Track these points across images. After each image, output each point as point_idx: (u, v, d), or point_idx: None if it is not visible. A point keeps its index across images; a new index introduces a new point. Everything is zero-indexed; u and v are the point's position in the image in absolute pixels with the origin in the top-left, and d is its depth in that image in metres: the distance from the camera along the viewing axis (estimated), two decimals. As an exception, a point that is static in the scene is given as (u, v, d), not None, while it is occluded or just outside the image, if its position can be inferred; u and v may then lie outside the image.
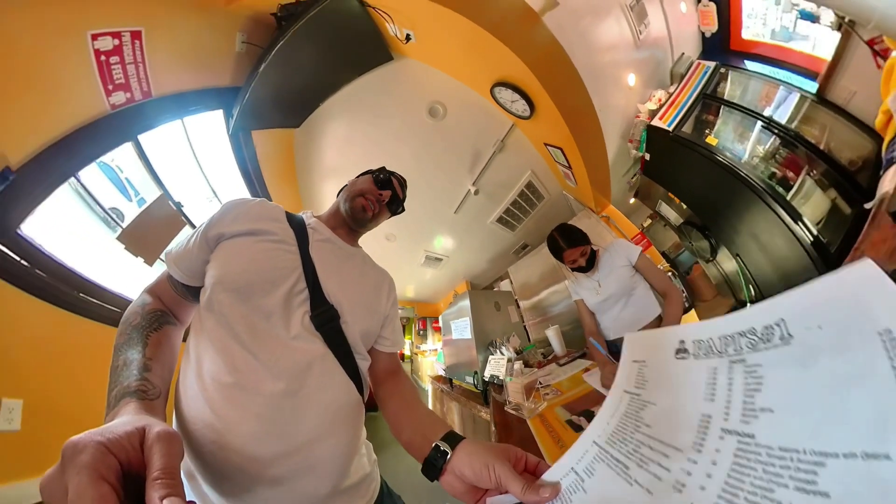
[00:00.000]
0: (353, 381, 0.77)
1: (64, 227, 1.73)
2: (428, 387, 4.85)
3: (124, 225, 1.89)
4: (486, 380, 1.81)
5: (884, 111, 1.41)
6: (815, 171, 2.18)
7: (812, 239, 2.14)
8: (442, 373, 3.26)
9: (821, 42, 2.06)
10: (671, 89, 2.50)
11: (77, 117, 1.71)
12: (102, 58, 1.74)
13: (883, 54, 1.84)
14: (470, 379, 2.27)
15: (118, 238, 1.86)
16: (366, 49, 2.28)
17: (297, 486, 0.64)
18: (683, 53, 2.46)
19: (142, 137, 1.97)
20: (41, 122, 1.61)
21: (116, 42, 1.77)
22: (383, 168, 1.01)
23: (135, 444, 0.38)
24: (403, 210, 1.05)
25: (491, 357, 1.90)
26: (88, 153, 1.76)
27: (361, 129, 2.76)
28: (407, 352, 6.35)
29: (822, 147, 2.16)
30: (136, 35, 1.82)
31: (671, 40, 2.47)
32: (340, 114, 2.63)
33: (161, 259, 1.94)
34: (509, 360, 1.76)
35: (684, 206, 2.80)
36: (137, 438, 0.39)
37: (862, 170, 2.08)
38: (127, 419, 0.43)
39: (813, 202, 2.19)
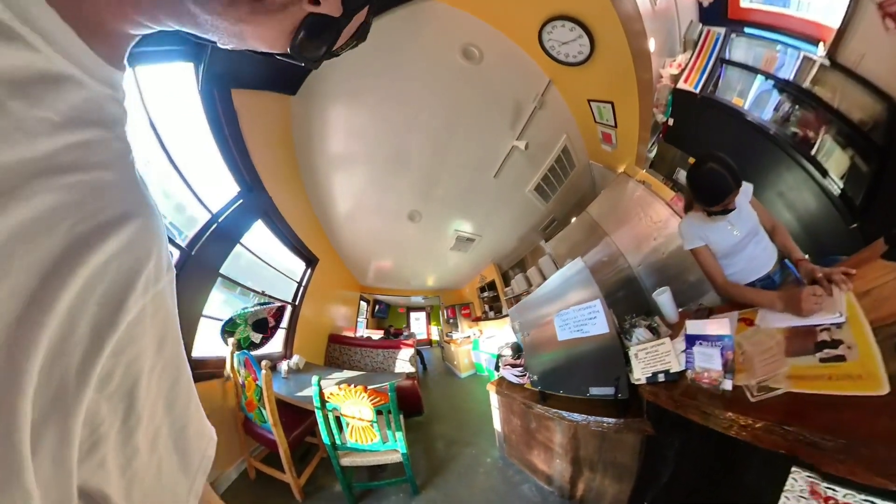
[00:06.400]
0: None
1: None
2: (463, 376, 4.63)
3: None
4: (642, 381, 1.32)
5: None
6: (831, 131, 2.31)
7: (839, 191, 2.20)
8: (513, 378, 2.35)
9: (817, 5, 2.22)
10: (687, 55, 2.59)
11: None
12: None
13: (893, 17, 2.01)
14: (605, 390, 1.61)
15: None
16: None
17: None
18: (692, 21, 2.58)
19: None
20: None
21: None
22: None
23: None
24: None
25: (636, 348, 1.39)
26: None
27: (377, 75, 2.36)
28: (435, 337, 6.67)
29: (834, 107, 2.31)
30: None
31: (677, 10, 2.59)
32: (350, 64, 2.26)
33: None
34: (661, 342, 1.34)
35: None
36: None
37: (874, 129, 2.22)
38: None
39: (835, 159, 2.29)
